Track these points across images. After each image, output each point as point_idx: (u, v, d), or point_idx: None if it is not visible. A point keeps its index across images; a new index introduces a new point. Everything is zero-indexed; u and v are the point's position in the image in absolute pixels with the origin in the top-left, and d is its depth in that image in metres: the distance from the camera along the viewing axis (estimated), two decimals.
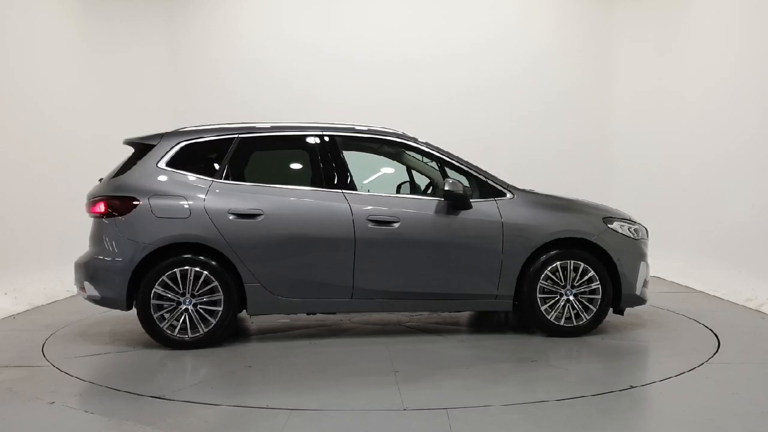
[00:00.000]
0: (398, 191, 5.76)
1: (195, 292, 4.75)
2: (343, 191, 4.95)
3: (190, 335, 4.75)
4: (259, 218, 4.81)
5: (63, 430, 3.26)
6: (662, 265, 7.88)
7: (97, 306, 5.00)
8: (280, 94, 9.73)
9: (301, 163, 5.39)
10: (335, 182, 4.99)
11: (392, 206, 4.96)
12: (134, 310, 4.80)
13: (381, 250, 4.88)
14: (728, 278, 7.10)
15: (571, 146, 9.93)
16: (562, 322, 5.05)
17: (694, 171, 8.41)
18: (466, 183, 5.11)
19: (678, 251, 8.47)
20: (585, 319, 5.07)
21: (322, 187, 4.97)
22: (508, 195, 5.13)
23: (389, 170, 6.05)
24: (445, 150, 5.28)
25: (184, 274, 4.73)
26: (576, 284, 5.06)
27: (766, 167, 6.76)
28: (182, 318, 4.74)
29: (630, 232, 5.24)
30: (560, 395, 3.69)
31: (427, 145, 5.27)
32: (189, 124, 5.31)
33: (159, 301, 4.73)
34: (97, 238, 4.88)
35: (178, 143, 4.98)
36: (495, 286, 5.01)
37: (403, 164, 5.68)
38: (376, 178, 6.31)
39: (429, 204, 5.04)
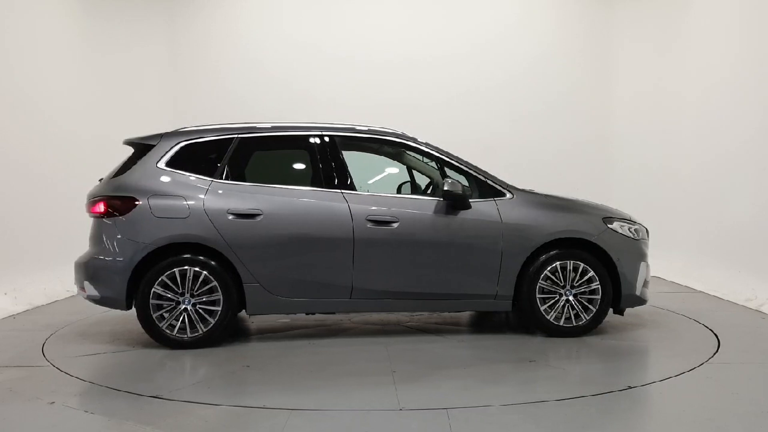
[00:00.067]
0: (399, 191, 5.76)
1: (194, 292, 4.75)
2: (343, 191, 4.95)
3: (189, 335, 4.75)
4: (259, 218, 4.81)
5: (63, 430, 3.26)
6: (662, 265, 7.88)
7: (97, 306, 5.00)
8: (280, 94, 9.73)
9: (300, 163, 5.39)
10: (335, 182, 4.99)
11: (391, 206, 4.96)
12: (134, 310, 4.80)
13: (380, 250, 4.88)
14: (728, 278, 7.10)
15: (571, 146, 9.93)
16: (561, 323, 5.05)
17: (694, 171, 8.41)
18: (465, 183, 5.11)
19: (678, 251, 8.46)
20: (585, 320, 5.07)
21: (322, 187, 4.97)
22: (508, 195, 5.13)
23: (390, 170, 6.06)
24: (445, 150, 5.28)
25: (183, 274, 4.73)
26: (576, 284, 5.05)
27: (766, 167, 6.76)
28: (181, 318, 4.75)
29: (630, 232, 5.23)
30: (560, 395, 3.69)
31: (426, 145, 5.27)
32: (189, 124, 5.32)
33: (158, 300, 4.73)
34: (96, 238, 4.88)
35: (178, 143, 4.98)
36: (494, 286, 5.00)
37: (404, 164, 5.69)
38: (376, 178, 6.31)
39: (428, 204, 5.03)
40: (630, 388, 3.85)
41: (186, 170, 4.91)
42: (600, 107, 10.06)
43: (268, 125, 5.23)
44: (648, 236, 5.47)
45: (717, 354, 4.57)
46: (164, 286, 4.72)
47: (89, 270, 4.84)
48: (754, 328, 5.50)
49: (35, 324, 5.82)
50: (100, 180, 5.13)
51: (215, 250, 4.77)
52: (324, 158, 5.06)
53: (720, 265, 7.49)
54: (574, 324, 5.06)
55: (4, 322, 5.95)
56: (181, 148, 4.97)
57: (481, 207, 5.04)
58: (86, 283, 4.84)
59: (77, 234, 5.61)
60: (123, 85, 9.30)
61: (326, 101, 9.69)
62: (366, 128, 5.33)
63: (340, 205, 4.89)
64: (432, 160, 5.30)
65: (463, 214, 4.99)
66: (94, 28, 8.89)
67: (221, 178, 4.92)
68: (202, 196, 4.81)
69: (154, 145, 4.98)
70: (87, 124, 8.55)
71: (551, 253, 5.03)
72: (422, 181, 5.68)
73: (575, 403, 3.57)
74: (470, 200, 5.03)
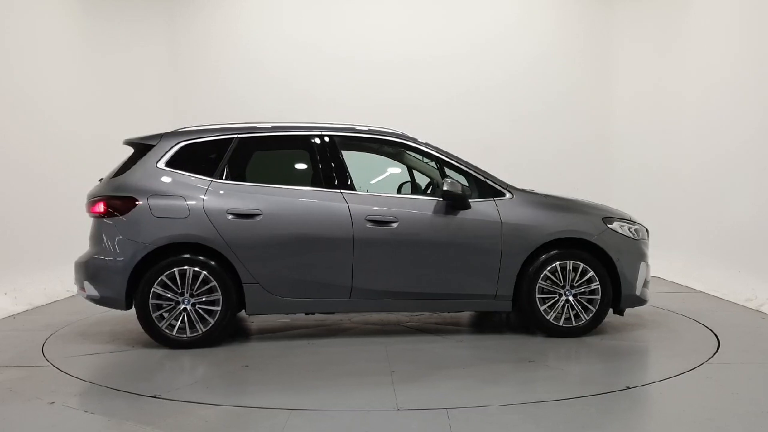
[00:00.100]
0: (399, 191, 5.76)
1: (194, 292, 4.75)
2: (342, 191, 4.95)
3: (188, 335, 4.76)
4: (258, 218, 4.81)
5: (63, 430, 3.26)
6: (662, 265, 7.88)
7: (97, 306, 5.00)
8: (280, 94, 9.73)
9: (300, 163, 5.39)
10: (334, 182, 4.99)
11: (391, 206, 4.96)
12: (133, 310, 4.80)
13: (380, 250, 4.88)
14: (728, 278, 7.10)
15: (571, 146, 9.93)
16: (561, 323, 5.05)
17: (694, 171, 8.41)
18: (465, 183, 5.11)
19: (678, 251, 8.46)
20: (584, 320, 5.07)
21: (321, 187, 4.97)
22: (507, 195, 5.13)
23: (390, 170, 6.05)
24: (445, 150, 5.28)
25: (182, 274, 4.73)
26: (575, 284, 5.05)
27: (766, 167, 6.76)
28: (181, 318, 4.75)
29: (630, 232, 5.23)
30: (560, 395, 3.69)
31: (426, 145, 5.27)
32: (189, 124, 5.32)
33: (158, 300, 4.73)
34: (96, 237, 4.89)
35: (178, 143, 4.99)
36: (494, 286, 5.00)
37: (404, 164, 5.69)
38: (376, 178, 6.31)
39: (428, 204, 5.03)
40: (630, 388, 3.84)
41: (186, 170, 4.91)
42: (600, 107, 10.06)
43: (268, 125, 5.23)
44: (648, 236, 5.47)
45: (717, 354, 4.57)
46: (164, 286, 4.72)
47: (89, 270, 4.84)
48: (754, 328, 5.50)
49: (35, 324, 5.82)
50: (100, 180, 5.13)
51: (215, 250, 4.77)
52: (324, 158, 5.06)
53: (720, 265, 7.49)
54: (574, 324, 5.06)
55: (4, 322, 5.95)
56: (181, 148, 4.97)
57: (480, 207, 5.04)
58: (86, 283, 4.85)
59: (77, 234, 5.62)
60: (123, 85, 9.30)
61: (326, 101, 9.69)
62: (366, 128, 5.33)
63: (339, 205, 4.89)
64: (432, 160, 5.30)
65: (463, 214, 4.99)
66: (94, 28, 8.89)
67: (221, 178, 4.92)
68: (201, 196, 4.81)
69: (153, 145, 4.99)
70: (87, 124, 8.55)
71: (551, 253, 5.03)
72: (422, 181, 5.68)
73: (575, 403, 3.57)
74: (470, 200, 5.02)
